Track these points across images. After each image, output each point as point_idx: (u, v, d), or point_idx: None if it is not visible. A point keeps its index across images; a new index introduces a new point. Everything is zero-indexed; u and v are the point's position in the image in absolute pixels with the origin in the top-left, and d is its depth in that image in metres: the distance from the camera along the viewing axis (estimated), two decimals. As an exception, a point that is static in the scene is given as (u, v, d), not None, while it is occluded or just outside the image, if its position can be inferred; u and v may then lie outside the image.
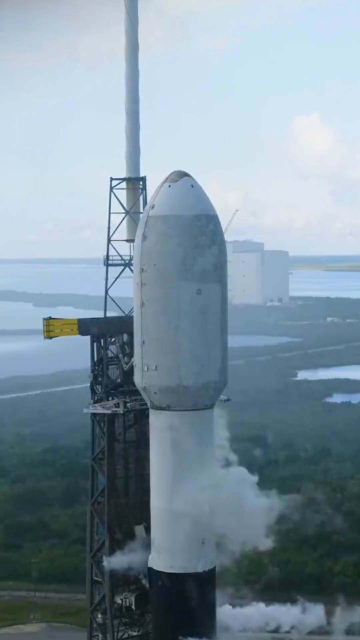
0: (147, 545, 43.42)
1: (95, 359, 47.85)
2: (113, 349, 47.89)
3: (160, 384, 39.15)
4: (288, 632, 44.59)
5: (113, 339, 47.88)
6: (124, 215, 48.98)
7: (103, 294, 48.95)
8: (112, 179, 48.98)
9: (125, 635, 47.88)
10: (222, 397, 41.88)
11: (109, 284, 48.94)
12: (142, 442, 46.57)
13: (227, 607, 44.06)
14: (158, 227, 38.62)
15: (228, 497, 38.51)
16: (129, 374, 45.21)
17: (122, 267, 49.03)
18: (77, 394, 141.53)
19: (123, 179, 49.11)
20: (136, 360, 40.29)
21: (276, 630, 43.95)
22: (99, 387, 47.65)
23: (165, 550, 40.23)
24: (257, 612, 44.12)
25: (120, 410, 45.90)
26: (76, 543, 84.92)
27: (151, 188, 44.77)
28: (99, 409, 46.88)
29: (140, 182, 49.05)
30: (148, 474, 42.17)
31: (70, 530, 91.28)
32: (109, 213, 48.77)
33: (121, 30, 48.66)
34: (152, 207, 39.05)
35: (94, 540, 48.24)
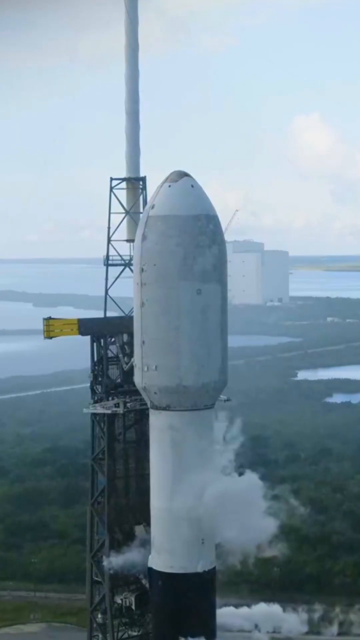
0: (147, 545, 43.45)
1: (95, 359, 47.85)
2: (113, 349, 47.89)
3: (160, 384, 39.15)
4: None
5: (113, 339, 47.88)
6: (124, 215, 48.98)
7: (103, 294, 48.94)
8: (112, 179, 48.99)
9: (125, 635, 47.88)
10: (222, 397, 41.90)
11: (109, 284, 48.93)
12: (142, 442, 46.56)
13: (228, 607, 44.14)
14: (158, 227, 38.63)
15: (234, 501, 38.45)
16: (129, 374, 45.21)
17: (122, 267, 49.02)
18: (77, 394, 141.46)
19: (123, 179, 49.11)
20: (136, 360, 40.30)
21: (277, 630, 44.00)
22: (99, 387, 47.66)
23: (165, 550, 40.23)
24: (258, 612, 44.15)
25: (120, 410, 45.90)
26: (76, 543, 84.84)
27: (151, 188, 44.84)
28: (99, 409, 46.88)
29: (140, 182, 49.04)
30: (148, 474, 42.18)
31: (70, 530, 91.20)
32: (109, 213, 48.80)
33: (121, 30, 48.71)
34: (152, 207, 39.06)
35: (94, 540, 48.24)
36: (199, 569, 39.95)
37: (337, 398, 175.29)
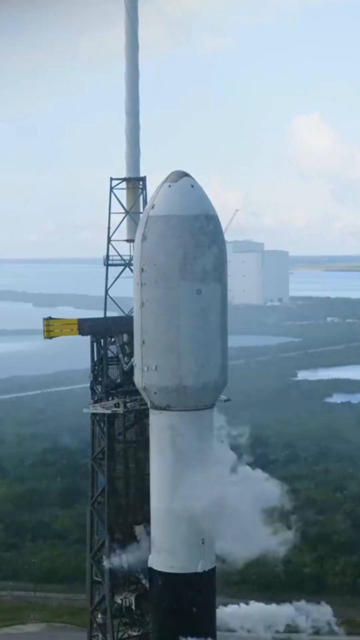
0: (147, 545, 43.45)
1: (95, 359, 47.84)
2: (113, 349, 47.87)
3: (160, 384, 39.16)
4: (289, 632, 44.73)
5: (113, 339, 47.87)
6: (124, 215, 48.96)
7: (103, 294, 48.90)
8: (112, 179, 48.95)
9: (125, 635, 47.86)
10: (222, 397, 41.89)
11: (109, 284, 48.90)
12: (142, 442, 46.54)
13: (227, 607, 44.15)
14: (158, 227, 38.63)
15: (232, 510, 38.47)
16: (129, 374, 45.21)
17: (122, 267, 49.00)
18: (77, 394, 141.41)
19: (123, 179, 49.08)
20: (136, 360, 40.30)
21: (276, 630, 44.00)
22: (99, 387, 47.65)
23: (165, 550, 40.23)
24: (258, 612, 44.16)
25: (120, 410, 45.90)
26: (76, 543, 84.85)
27: (151, 188, 44.81)
28: (99, 409, 46.88)
29: (140, 182, 49.02)
30: (148, 474, 42.18)
31: (70, 530, 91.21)
32: (109, 213, 48.74)
33: (121, 30, 48.64)
34: (152, 207, 39.06)
35: (94, 540, 48.21)
36: (199, 569, 39.95)
37: (337, 398, 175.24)
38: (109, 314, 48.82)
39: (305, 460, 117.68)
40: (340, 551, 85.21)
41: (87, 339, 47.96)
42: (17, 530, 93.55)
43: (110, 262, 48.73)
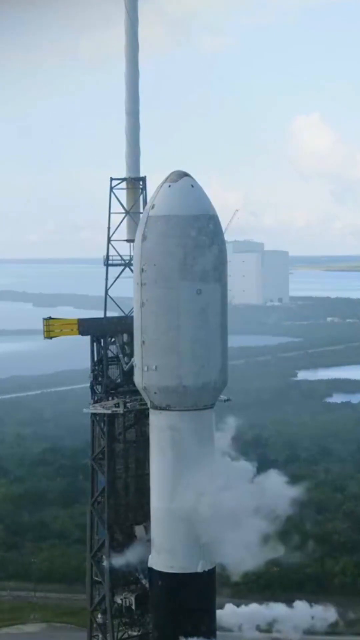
0: (147, 545, 43.45)
1: (95, 359, 47.84)
2: (113, 349, 47.87)
3: (160, 384, 39.18)
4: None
5: (113, 339, 47.87)
6: (124, 215, 48.96)
7: (103, 294, 48.91)
8: (112, 179, 48.96)
9: (125, 635, 47.88)
10: (222, 397, 41.92)
11: (109, 284, 48.90)
12: (142, 442, 46.53)
13: (228, 607, 44.14)
14: (158, 227, 38.65)
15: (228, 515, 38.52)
16: (129, 374, 45.23)
17: (122, 267, 49.00)
18: (77, 394, 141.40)
19: (123, 179, 49.08)
20: (136, 360, 40.33)
21: (277, 630, 43.99)
22: (99, 387, 47.65)
23: (165, 550, 40.26)
24: (258, 611, 44.16)
25: (120, 410, 45.90)
26: (76, 543, 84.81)
27: (151, 188, 44.83)
28: (99, 409, 46.88)
29: (140, 182, 49.03)
30: (148, 474, 42.21)
31: (70, 530, 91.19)
32: (109, 213, 48.75)
33: (121, 30, 48.66)
34: (152, 207, 39.09)
35: (94, 540, 48.22)
36: (199, 569, 39.97)
37: (337, 398, 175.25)
38: (109, 314, 48.81)
39: (305, 460, 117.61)
40: (340, 551, 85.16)
41: (87, 339, 47.96)
42: (17, 530, 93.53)
43: (110, 262, 48.73)
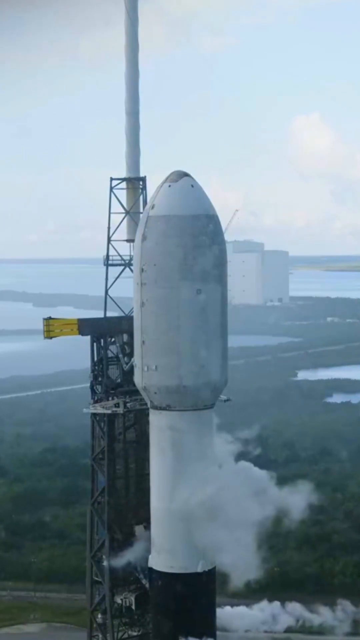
0: (147, 545, 43.44)
1: (95, 359, 47.83)
2: (113, 349, 47.87)
3: (160, 384, 39.18)
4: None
5: (113, 339, 47.87)
6: (124, 215, 48.97)
7: (103, 294, 48.92)
8: (112, 179, 48.97)
9: (125, 635, 47.89)
10: (222, 397, 41.92)
11: (109, 284, 48.92)
12: (142, 442, 46.54)
13: (228, 607, 44.13)
14: (158, 227, 38.66)
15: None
16: (129, 374, 45.23)
17: (122, 267, 49.02)
18: (77, 394, 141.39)
19: (123, 179, 49.09)
20: (136, 360, 40.33)
21: (276, 630, 44.01)
22: (99, 387, 47.64)
23: (165, 550, 40.26)
24: (258, 612, 44.13)
25: (120, 410, 45.90)
26: (76, 543, 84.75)
27: (151, 188, 44.84)
28: (99, 409, 46.88)
29: (140, 182, 49.03)
30: (148, 474, 42.22)
31: (70, 530, 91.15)
32: (109, 213, 48.77)
33: (121, 30, 48.68)
34: (152, 207, 39.10)
35: (94, 540, 48.22)
36: (199, 569, 39.97)
37: (337, 398, 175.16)
38: (109, 314, 48.83)
39: (305, 460, 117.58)
40: (340, 551, 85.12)
41: (87, 339, 47.95)
42: (17, 530, 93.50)
43: (110, 262, 48.75)
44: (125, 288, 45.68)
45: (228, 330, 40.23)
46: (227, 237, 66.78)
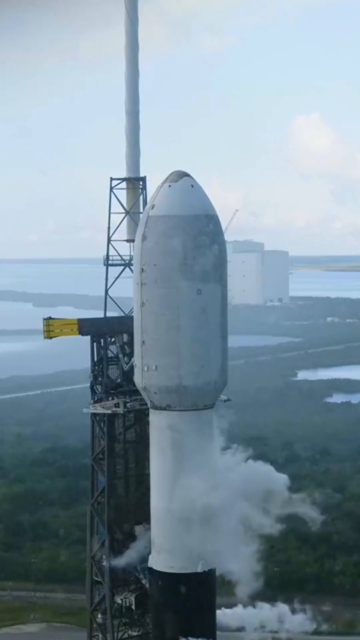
0: (147, 545, 43.44)
1: (95, 359, 47.84)
2: (113, 349, 47.88)
3: (160, 384, 39.17)
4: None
5: (113, 339, 47.88)
6: (124, 215, 48.98)
7: (103, 294, 48.93)
8: (112, 179, 48.98)
9: (125, 635, 47.89)
10: (222, 397, 41.91)
11: (109, 284, 48.92)
12: (142, 442, 46.55)
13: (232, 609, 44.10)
14: (158, 227, 38.65)
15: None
16: (129, 374, 45.24)
17: (122, 267, 49.02)
18: (77, 394, 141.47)
19: (123, 179, 49.10)
20: (136, 360, 40.32)
21: (276, 630, 43.99)
22: (99, 387, 47.65)
23: (165, 550, 40.24)
24: (258, 612, 44.12)
25: (120, 410, 45.90)
26: (76, 543, 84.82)
27: (151, 188, 44.85)
28: (99, 409, 46.88)
29: (140, 182, 49.04)
30: (148, 474, 42.21)
31: (70, 530, 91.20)
32: (109, 213, 48.78)
33: (121, 30, 48.70)
34: (152, 207, 39.08)
35: (94, 540, 48.24)
36: (199, 569, 39.96)
37: (337, 398, 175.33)
38: (109, 314, 48.83)
39: (305, 460, 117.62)
40: (340, 551, 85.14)
41: (87, 339, 47.96)
42: (17, 530, 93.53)
43: (110, 262, 48.76)
44: (125, 288, 45.68)
45: (228, 330, 40.21)
46: (227, 237, 66.77)
